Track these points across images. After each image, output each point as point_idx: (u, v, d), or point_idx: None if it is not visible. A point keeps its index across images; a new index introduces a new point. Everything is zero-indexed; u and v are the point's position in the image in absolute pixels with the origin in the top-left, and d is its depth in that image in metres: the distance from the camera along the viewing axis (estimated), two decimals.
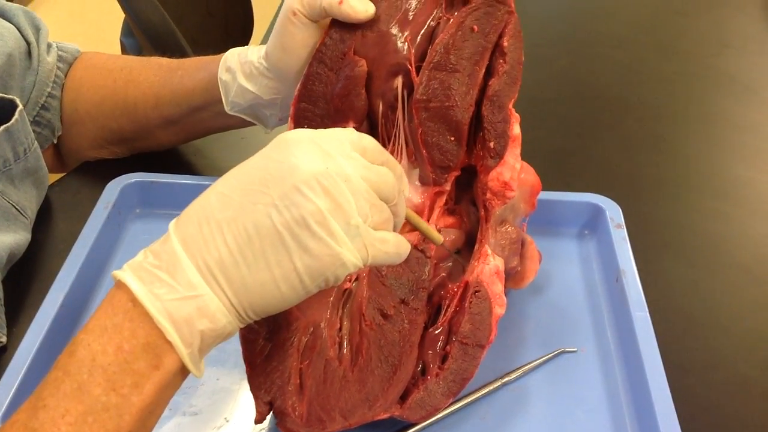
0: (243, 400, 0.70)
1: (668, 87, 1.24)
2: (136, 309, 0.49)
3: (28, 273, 0.82)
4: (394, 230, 0.57)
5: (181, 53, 1.23)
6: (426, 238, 0.64)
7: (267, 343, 0.63)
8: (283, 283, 0.51)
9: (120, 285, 0.51)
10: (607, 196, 0.87)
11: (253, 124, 0.87)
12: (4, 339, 0.74)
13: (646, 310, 0.75)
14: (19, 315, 0.77)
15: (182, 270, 0.50)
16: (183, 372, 0.51)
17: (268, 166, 0.52)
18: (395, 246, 0.56)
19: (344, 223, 0.51)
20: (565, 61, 1.30)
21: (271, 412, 0.63)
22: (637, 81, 1.25)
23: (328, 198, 0.51)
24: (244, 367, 0.63)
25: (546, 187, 0.78)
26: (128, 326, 0.49)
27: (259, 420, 0.63)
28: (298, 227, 0.50)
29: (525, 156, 0.74)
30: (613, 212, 0.85)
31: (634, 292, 0.76)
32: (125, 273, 0.51)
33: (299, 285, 0.51)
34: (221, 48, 0.86)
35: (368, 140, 0.56)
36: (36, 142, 0.84)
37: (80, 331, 0.50)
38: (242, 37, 1.62)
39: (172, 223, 0.52)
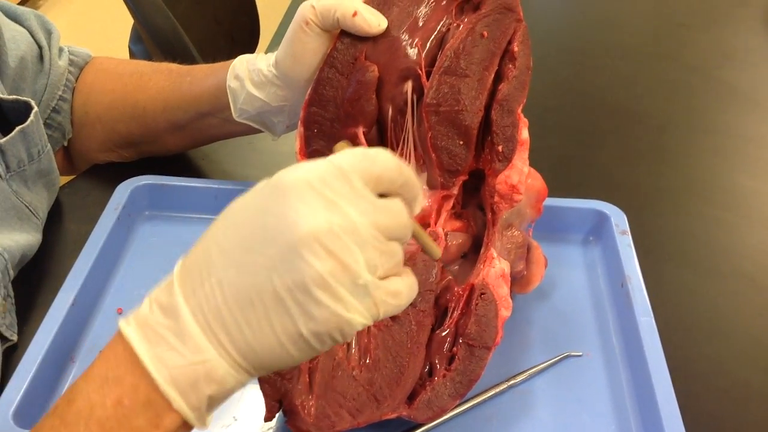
0: (251, 399, 0.70)
1: (671, 97, 1.25)
2: (140, 363, 0.47)
3: (38, 273, 0.83)
4: None
5: (190, 60, 1.24)
6: (424, 250, 0.58)
7: None
8: (290, 346, 0.47)
9: (123, 332, 0.48)
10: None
11: (261, 131, 0.88)
12: (15, 338, 0.75)
13: (652, 315, 0.75)
14: (29, 314, 0.78)
15: (188, 331, 0.47)
16: (185, 427, 0.48)
17: (265, 222, 0.47)
18: (407, 297, 0.51)
19: (351, 284, 0.47)
20: (570, 72, 1.31)
21: (280, 410, 0.64)
22: (640, 91, 1.26)
23: (332, 259, 0.46)
24: None
25: (551, 194, 0.79)
26: (129, 380, 0.47)
27: (268, 418, 0.63)
28: (300, 293, 0.46)
29: (530, 164, 0.75)
30: (618, 219, 0.86)
31: (639, 298, 0.77)
32: (130, 328, 0.48)
33: (307, 347, 0.48)
34: (228, 56, 0.87)
35: (382, 162, 0.49)
36: (48, 144, 0.85)
37: (80, 377, 0.48)
38: (249, 46, 1.63)
39: (177, 269, 0.49)
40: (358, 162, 0.48)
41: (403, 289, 0.50)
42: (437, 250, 0.58)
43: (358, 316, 0.48)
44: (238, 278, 0.47)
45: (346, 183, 0.47)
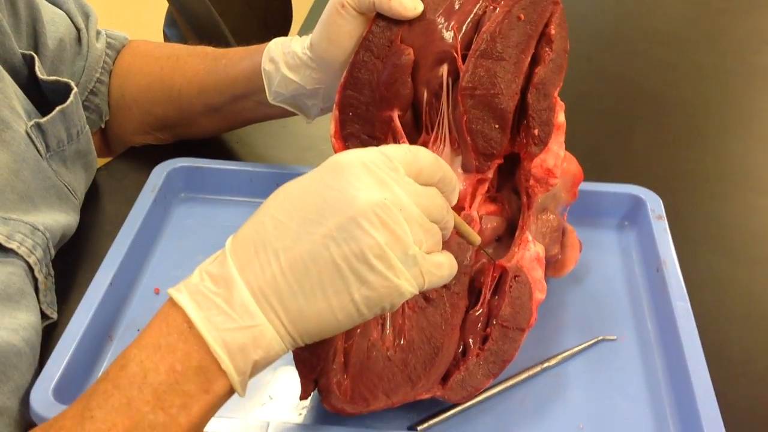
0: (286, 378, 0.71)
1: (708, 83, 1.24)
2: (192, 331, 0.50)
3: (77, 253, 0.84)
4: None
5: (224, 43, 1.25)
6: (464, 238, 0.63)
7: None
8: (340, 313, 0.51)
9: (175, 303, 0.51)
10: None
11: (295, 114, 0.88)
12: (55, 316, 0.76)
13: (687, 299, 0.75)
14: (68, 293, 0.79)
15: (239, 298, 0.50)
16: (230, 394, 0.51)
17: (324, 194, 0.51)
18: (449, 268, 0.56)
19: (402, 254, 0.51)
20: (606, 56, 1.31)
21: (315, 389, 0.65)
22: (677, 77, 1.25)
23: (386, 230, 0.50)
24: None
25: (586, 178, 0.79)
26: (182, 348, 0.49)
27: (304, 396, 0.64)
28: (357, 261, 0.50)
29: (566, 148, 0.74)
30: (654, 204, 0.85)
31: (675, 282, 0.77)
32: (182, 295, 0.51)
33: (356, 314, 0.51)
34: (262, 40, 0.87)
35: (424, 158, 0.55)
36: (87, 125, 0.86)
37: (132, 345, 0.51)
38: (281, 30, 1.63)
39: (229, 244, 0.52)
40: (403, 154, 0.54)
41: (444, 261, 0.55)
42: (476, 236, 0.63)
43: (407, 284, 0.52)
44: (294, 247, 0.50)
45: (393, 169, 0.53)
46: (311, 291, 0.50)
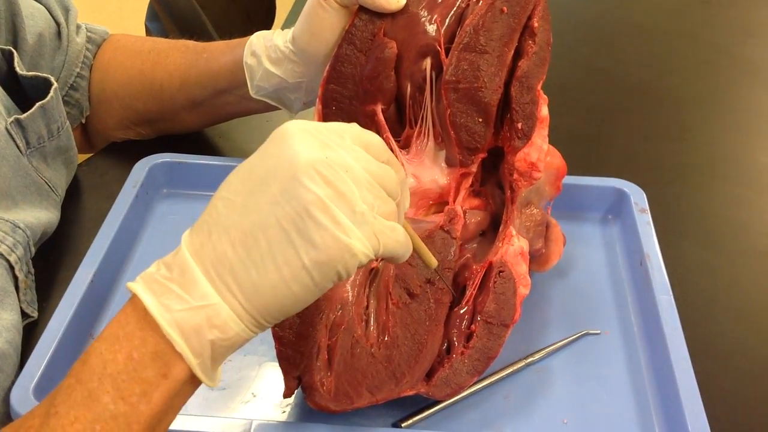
0: (270, 376, 0.71)
1: (692, 75, 1.24)
2: (147, 318, 0.49)
3: (57, 250, 0.83)
4: None
5: (206, 37, 1.24)
6: (421, 259, 0.62)
7: (296, 319, 0.63)
8: (293, 283, 0.49)
9: (134, 296, 0.50)
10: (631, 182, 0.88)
11: (278, 109, 0.87)
12: (35, 314, 0.75)
13: (671, 293, 0.75)
14: (49, 291, 0.79)
15: (192, 280, 0.49)
16: (193, 381, 0.50)
17: (266, 163, 0.50)
18: (405, 238, 0.54)
19: (349, 211, 0.49)
20: (590, 49, 1.30)
21: (299, 387, 0.64)
22: (661, 69, 1.25)
23: (329, 187, 0.49)
24: (271, 343, 0.64)
25: (570, 172, 0.78)
26: (139, 335, 0.49)
27: (287, 394, 0.64)
28: (301, 220, 0.48)
29: (549, 141, 0.74)
30: (637, 197, 0.85)
31: (659, 276, 0.77)
32: (137, 285, 0.50)
33: (310, 282, 0.49)
34: (245, 33, 0.87)
35: (372, 136, 0.54)
36: (67, 120, 0.85)
37: (95, 339, 0.50)
38: (265, 23, 1.62)
39: (185, 235, 0.51)
40: (349, 127, 0.53)
41: (399, 229, 0.53)
42: (433, 259, 0.62)
43: (359, 243, 0.49)
44: (242, 219, 0.49)
45: (339, 137, 0.52)
46: (262, 262, 0.49)
